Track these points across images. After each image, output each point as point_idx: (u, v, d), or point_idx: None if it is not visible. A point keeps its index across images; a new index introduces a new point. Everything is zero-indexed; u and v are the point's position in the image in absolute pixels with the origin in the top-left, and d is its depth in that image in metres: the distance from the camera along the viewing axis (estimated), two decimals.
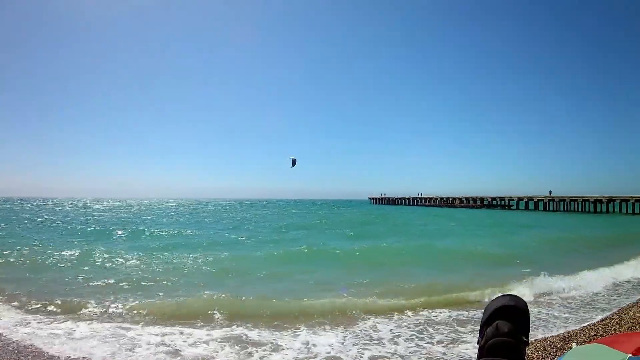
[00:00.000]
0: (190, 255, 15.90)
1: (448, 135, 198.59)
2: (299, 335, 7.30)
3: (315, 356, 6.36)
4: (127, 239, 22.97)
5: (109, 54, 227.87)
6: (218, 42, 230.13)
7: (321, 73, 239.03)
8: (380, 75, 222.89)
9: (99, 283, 11.32)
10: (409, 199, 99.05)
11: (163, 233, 26.12)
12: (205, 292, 9.94)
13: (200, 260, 14.82)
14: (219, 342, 6.86)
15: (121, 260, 14.86)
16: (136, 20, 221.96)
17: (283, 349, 6.59)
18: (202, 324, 7.92)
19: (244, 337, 7.14)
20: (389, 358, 6.28)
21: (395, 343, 6.94)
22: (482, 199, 78.71)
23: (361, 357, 6.32)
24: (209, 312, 8.49)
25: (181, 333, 7.29)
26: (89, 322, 7.87)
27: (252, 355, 6.32)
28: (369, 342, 6.98)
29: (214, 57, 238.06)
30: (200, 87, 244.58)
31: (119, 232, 25.92)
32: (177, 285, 11.36)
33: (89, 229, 28.18)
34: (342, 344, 6.84)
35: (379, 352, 6.51)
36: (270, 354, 6.40)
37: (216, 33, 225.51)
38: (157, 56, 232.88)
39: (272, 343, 6.84)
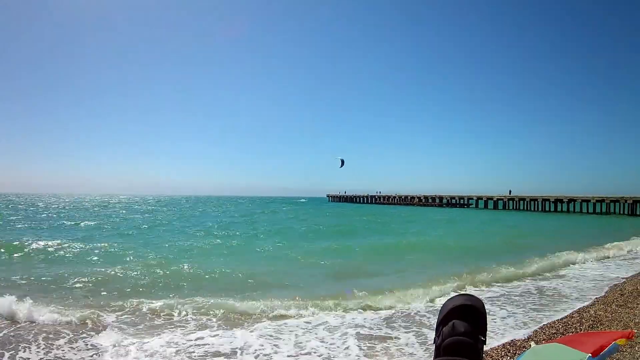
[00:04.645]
0: None
1: (409, 134, 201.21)
2: None
3: None
4: None
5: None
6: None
7: (282, 69, 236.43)
8: (338, 73, 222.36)
9: None
10: (367, 196, 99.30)
11: None
12: None
13: None
14: None
15: None
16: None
17: None
18: None
19: None
20: None
21: None
22: (440, 198, 79.55)
23: None
24: None
25: None
26: None
27: None
28: None
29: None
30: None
31: None
32: None
33: None
34: None
35: None
36: None
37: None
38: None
39: None
